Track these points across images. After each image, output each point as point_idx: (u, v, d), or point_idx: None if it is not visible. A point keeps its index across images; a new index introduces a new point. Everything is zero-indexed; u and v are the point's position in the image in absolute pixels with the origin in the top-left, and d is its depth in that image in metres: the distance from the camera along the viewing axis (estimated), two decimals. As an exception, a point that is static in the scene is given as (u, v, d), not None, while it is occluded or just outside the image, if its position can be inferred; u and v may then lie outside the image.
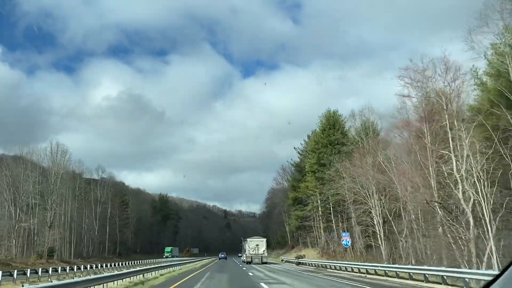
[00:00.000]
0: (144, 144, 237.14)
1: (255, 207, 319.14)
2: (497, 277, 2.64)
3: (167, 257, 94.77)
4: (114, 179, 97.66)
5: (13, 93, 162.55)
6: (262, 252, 52.86)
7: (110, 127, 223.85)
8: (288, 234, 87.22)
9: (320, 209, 59.85)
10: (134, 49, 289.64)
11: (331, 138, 53.54)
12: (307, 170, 58.88)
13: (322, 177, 54.94)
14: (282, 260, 59.63)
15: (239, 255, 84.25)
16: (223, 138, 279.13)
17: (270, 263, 54.78)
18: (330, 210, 55.40)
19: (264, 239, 57.30)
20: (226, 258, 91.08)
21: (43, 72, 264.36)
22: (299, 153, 71.64)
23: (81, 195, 76.13)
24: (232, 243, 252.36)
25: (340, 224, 53.36)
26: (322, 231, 58.96)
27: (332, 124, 54.54)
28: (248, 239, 57.24)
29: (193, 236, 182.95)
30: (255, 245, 53.44)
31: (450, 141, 25.65)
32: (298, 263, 50.87)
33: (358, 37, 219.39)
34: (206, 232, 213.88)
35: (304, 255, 57.18)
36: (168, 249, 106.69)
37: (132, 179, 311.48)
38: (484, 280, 15.64)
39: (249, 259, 52.48)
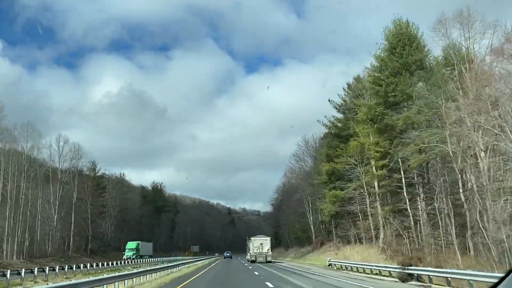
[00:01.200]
0: (146, 142, 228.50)
1: (259, 205, 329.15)
2: (502, 279, 2.70)
3: (129, 257, 64.29)
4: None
5: (14, 89, 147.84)
6: (266, 251, 52.76)
7: (111, 124, 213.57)
8: (313, 227, 65.88)
9: (377, 184, 38.39)
10: (136, 44, 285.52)
11: (408, 60, 31.81)
12: (361, 119, 37.31)
13: (388, 126, 33.48)
14: (329, 264, 37.81)
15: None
16: (225, 136, 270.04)
17: (296, 271, 33.68)
18: (402, 183, 33.88)
19: (268, 238, 56.60)
20: (231, 257, 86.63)
21: (44, 68, 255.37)
22: (336, 107, 49.90)
23: (30, 172, 54.94)
24: (236, 242, 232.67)
25: (421, 203, 31.95)
26: (381, 218, 37.37)
27: (406, 39, 32.81)
28: (252, 238, 56.95)
29: (193, 233, 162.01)
30: (259, 244, 53.17)
31: None
32: (409, 277, 21.70)
33: (364, 29, 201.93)
34: (208, 229, 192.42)
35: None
36: (131, 244, 71.03)
37: (134, 177, 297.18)
38: None
39: (253, 258, 52.61)
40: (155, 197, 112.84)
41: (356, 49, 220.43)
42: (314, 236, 65.36)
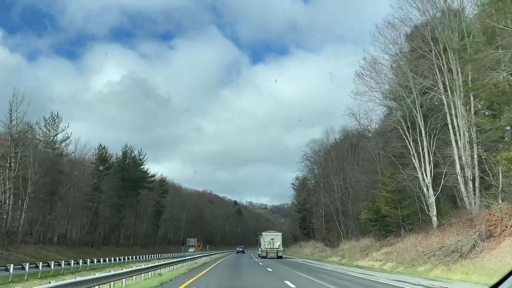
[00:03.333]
0: (149, 133, 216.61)
1: (265, 199, 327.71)
2: (502, 279, 2.73)
3: None
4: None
5: (13, 78, 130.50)
6: (277, 246, 52.55)
7: (113, 114, 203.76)
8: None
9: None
10: (137, 32, 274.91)
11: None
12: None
13: None
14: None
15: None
16: (231, 128, 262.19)
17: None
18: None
19: (280, 233, 56.04)
20: (244, 252, 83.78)
21: (45, 58, 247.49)
22: None
23: None
24: (244, 235, 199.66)
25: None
26: None
27: None
28: (263, 233, 56.81)
29: (190, 223, 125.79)
30: (270, 239, 52.92)
31: None
32: None
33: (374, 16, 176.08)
34: (211, 219, 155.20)
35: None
36: None
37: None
38: None
39: (264, 254, 52.29)
40: (126, 166, 76.00)
41: (365, 38, 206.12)
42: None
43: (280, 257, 51.28)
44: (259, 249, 56.97)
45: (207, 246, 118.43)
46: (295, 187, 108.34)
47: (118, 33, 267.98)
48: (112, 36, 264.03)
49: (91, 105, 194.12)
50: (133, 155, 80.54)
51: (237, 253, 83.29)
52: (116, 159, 75.65)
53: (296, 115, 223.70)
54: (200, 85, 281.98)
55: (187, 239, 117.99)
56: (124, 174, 73.74)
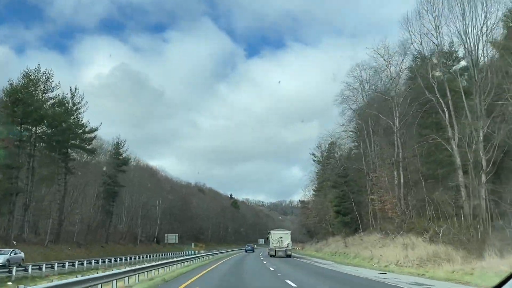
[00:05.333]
0: (144, 128, 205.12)
1: (262, 197, 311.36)
2: (504, 280, 2.78)
3: None
4: None
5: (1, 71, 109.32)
6: (286, 245, 51.28)
7: (105, 107, 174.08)
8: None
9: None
10: (128, 23, 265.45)
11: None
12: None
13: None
14: None
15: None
16: (228, 124, 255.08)
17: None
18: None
19: (289, 232, 54.82)
20: (253, 251, 79.08)
21: (34, 50, 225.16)
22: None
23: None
24: (241, 231, 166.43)
25: None
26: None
27: None
28: (271, 231, 55.16)
29: (171, 215, 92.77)
30: (279, 238, 51.53)
31: None
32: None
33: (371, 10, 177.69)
34: (200, 210, 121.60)
35: None
36: None
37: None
38: None
39: (272, 252, 51.17)
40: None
41: (364, 31, 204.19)
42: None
43: (289, 256, 50.51)
44: (268, 248, 56.24)
45: (192, 244, 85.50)
46: (315, 158, 76.46)
47: (109, 25, 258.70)
48: (102, 28, 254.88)
49: (84, 96, 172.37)
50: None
51: (246, 251, 78.54)
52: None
53: (293, 110, 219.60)
54: (195, 79, 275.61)
55: (166, 235, 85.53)
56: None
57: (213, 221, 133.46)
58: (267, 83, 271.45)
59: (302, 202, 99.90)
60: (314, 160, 79.93)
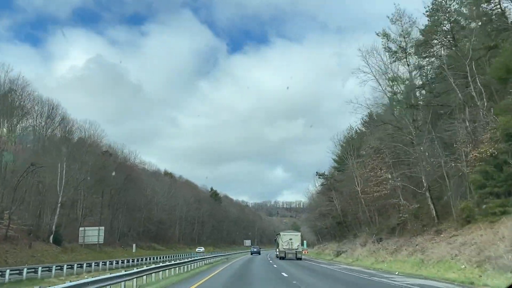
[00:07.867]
0: (122, 125, 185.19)
1: (245, 197, 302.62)
2: None
3: None
4: None
5: None
6: (296, 247, 50.29)
7: (78, 101, 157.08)
8: None
9: None
10: (104, 15, 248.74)
11: None
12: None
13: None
14: None
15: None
16: (210, 122, 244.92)
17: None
18: None
19: (299, 233, 54.11)
20: (259, 253, 76.41)
21: (4, 43, 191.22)
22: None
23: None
24: (224, 228, 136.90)
25: None
26: None
27: None
28: (281, 233, 54.19)
29: (112, 202, 63.33)
30: (289, 239, 50.56)
31: None
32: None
33: (358, 6, 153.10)
34: (164, 199, 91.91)
35: None
36: None
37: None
38: None
39: (282, 255, 50.10)
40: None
41: (348, 26, 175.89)
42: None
43: (300, 259, 48.75)
44: (277, 250, 55.12)
45: (134, 246, 56.90)
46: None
47: (84, 16, 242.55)
48: (76, 19, 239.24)
49: (52, 91, 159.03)
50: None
51: (251, 254, 74.66)
52: None
53: (277, 107, 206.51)
54: (175, 74, 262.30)
55: (82, 229, 57.24)
56: None
57: (184, 215, 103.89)
58: (250, 80, 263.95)
59: (323, 183, 73.50)
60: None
